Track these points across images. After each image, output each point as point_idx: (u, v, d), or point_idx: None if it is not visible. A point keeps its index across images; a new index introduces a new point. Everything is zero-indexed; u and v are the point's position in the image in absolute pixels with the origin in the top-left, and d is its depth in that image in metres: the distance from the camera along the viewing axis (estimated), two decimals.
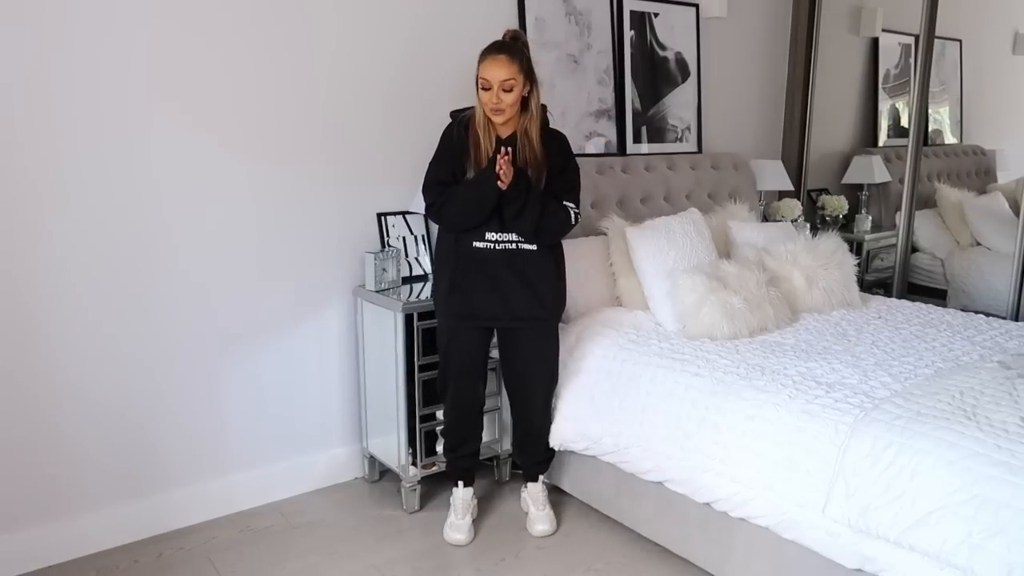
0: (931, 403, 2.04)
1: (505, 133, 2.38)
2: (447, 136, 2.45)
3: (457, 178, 2.38)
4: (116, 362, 2.51)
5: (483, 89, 2.29)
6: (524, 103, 2.35)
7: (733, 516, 2.19)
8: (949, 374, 2.30)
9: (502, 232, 2.39)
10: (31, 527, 2.43)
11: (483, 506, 2.83)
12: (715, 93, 3.98)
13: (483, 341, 2.53)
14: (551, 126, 2.49)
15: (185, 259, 2.59)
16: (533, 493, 2.69)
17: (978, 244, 3.94)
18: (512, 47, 2.31)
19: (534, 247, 2.41)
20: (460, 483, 2.66)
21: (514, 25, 3.17)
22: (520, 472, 2.80)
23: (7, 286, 2.31)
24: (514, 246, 2.40)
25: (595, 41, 3.45)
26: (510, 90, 2.28)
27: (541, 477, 2.71)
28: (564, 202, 2.42)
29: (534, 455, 2.69)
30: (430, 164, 2.46)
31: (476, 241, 2.39)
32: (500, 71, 2.26)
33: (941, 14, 3.73)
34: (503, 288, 2.41)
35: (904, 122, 4.26)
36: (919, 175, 3.89)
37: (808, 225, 4.00)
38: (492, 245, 2.39)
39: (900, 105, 4.34)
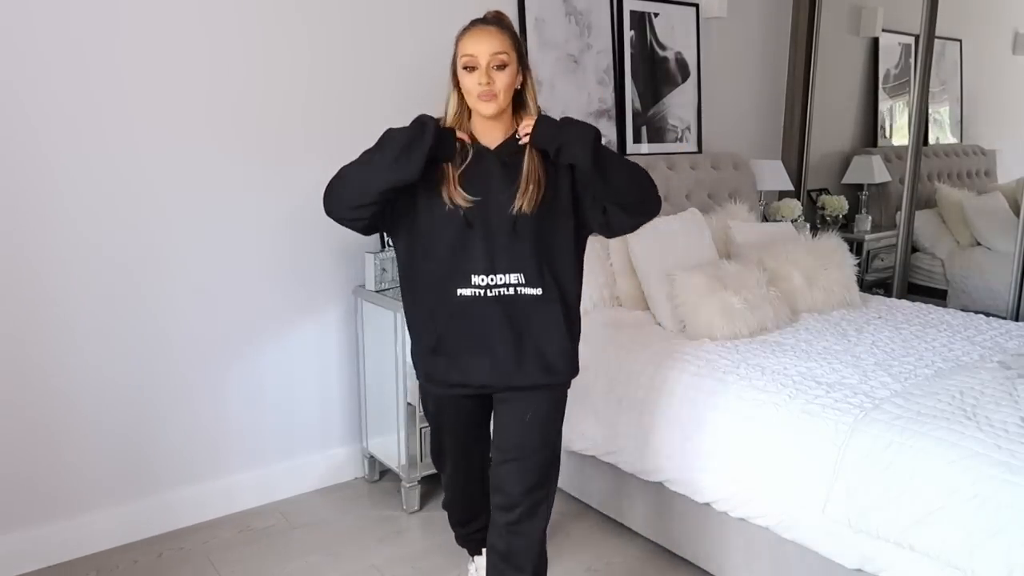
0: (931, 403, 2.04)
1: (493, 140, 1.82)
2: None
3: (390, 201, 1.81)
4: (116, 362, 2.51)
5: (466, 69, 1.74)
6: (517, 98, 1.83)
7: (733, 516, 2.19)
8: (949, 374, 2.30)
9: (493, 274, 1.80)
10: (31, 527, 2.43)
11: None
12: (715, 93, 3.97)
13: (479, 408, 2.01)
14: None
15: (185, 259, 2.59)
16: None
17: (978, 244, 3.94)
18: (500, 21, 1.81)
19: (539, 291, 1.82)
20: (476, 557, 2.30)
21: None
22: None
23: (7, 286, 2.31)
24: (511, 291, 1.80)
25: (595, 41, 3.45)
26: (503, 67, 1.74)
27: None
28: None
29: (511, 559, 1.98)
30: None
31: (461, 288, 1.80)
32: (490, 41, 1.73)
33: (941, 14, 3.73)
34: (495, 347, 1.83)
35: (903, 122, 4.26)
36: (919, 175, 3.89)
37: (808, 225, 4.00)
38: (482, 292, 1.80)
39: (900, 105, 4.34)
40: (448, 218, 1.79)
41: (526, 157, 1.79)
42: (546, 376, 1.87)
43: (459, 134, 1.79)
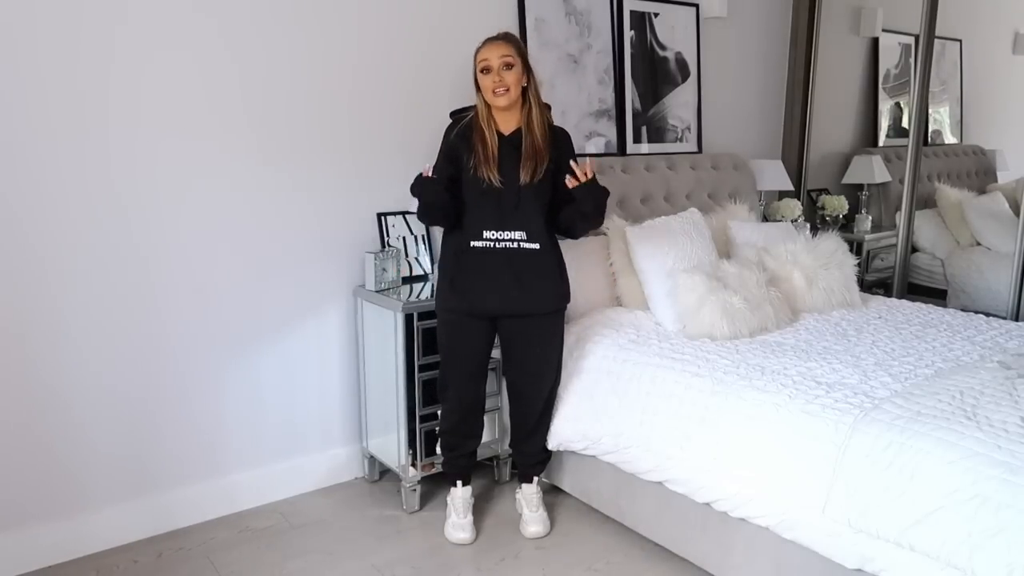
0: (931, 403, 2.04)
1: (508, 128, 2.41)
2: (445, 139, 2.48)
3: (453, 180, 2.42)
4: (117, 363, 2.51)
5: (483, 72, 2.35)
6: (523, 96, 2.40)
7: (733, 516, 2.19)
8: (949, 374, 2.30)
9: (501, 231, 2.39)
10: (31, 527, 2.43)
11: (483, 506, 2.83)
12: (715, 93, 3.98)
13: (484, 336, 2.51)
14: (555, 124, 2.53)
15: (185, 259, 2.59)
16: (527, 494, 2.68)
17: (978, 244, 3.94)
18: (507, 36, 2.41)
19: (536, 246, 2.41)
20: (459, 482, 2.65)
21: (514, 25, 3.18)
22: (517, 473, 2.79)
23: (7, 286, 2.31)
24: (515, 245, 2.40)
25: (595, 41, 3.45)
26: (510, 68, 2.33)
27: (536, 478, 2.70)
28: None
29: (530, 455, 2.68)
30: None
31: (474, 240, 2.40)
32: (498, 48, 2.34)
33: (941, 14, 3.73)
34: (501, 287, 2.41)
35: (904, 122, 4.26)
36: (919, 175, 3.89)
37: (808, 225, 4.00)
38: (491, 244, 2.40)
39: (900, 105, 4.34)
40: (474, 186, 2.38)
41: (524, 140, 2.39)
42: (537, 305, 2.46)
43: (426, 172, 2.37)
